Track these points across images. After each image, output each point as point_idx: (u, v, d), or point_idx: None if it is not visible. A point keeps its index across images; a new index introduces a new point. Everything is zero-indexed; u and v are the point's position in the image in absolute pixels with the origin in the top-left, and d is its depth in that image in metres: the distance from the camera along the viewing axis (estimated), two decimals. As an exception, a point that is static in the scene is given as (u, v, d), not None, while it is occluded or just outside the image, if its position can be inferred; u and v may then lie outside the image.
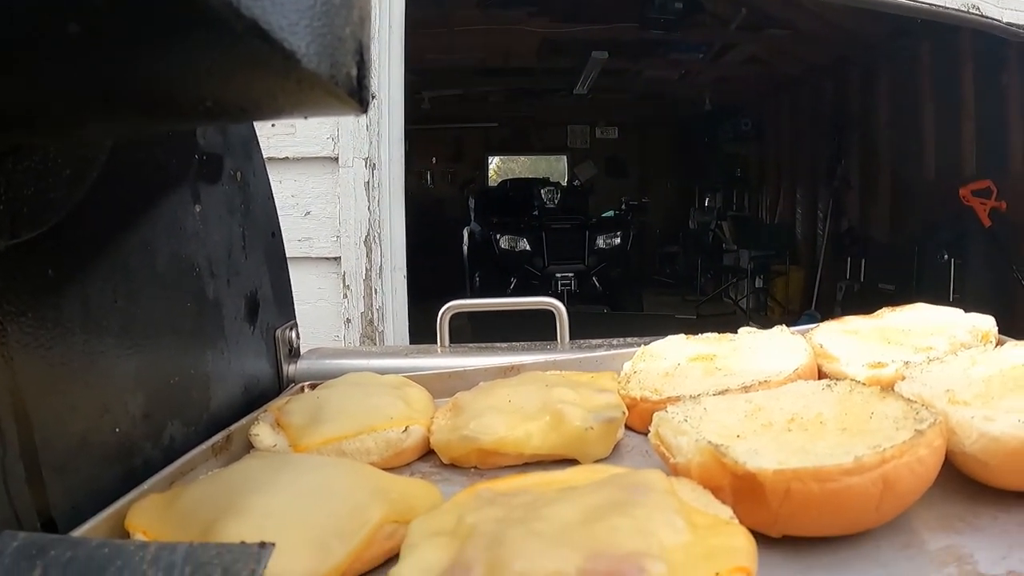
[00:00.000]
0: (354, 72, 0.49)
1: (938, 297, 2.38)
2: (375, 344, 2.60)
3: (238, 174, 1.20)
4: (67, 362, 0.79)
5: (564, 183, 12.01)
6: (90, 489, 0.81)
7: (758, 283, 10.09)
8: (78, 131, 0.64)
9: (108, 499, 0.79)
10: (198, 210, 1.08)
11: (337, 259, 2.58)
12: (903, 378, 0.93)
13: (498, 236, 8.78)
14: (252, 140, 1.26)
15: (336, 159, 2.53)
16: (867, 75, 8.06)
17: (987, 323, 1.16)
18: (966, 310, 1.22)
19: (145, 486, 0.83)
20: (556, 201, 9.38)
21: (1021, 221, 5.75)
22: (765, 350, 1.18)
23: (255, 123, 1.29)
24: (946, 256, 6.32)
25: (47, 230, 0.75)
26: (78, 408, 0.81)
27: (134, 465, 0.89)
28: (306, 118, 0.55)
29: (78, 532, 0.72)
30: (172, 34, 0.39)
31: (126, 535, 0.75)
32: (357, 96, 0.50)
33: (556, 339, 1.47)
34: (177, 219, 1.03)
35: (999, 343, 1.05)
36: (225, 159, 1.16)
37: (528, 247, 8.70)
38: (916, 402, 0.80)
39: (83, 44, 0.39)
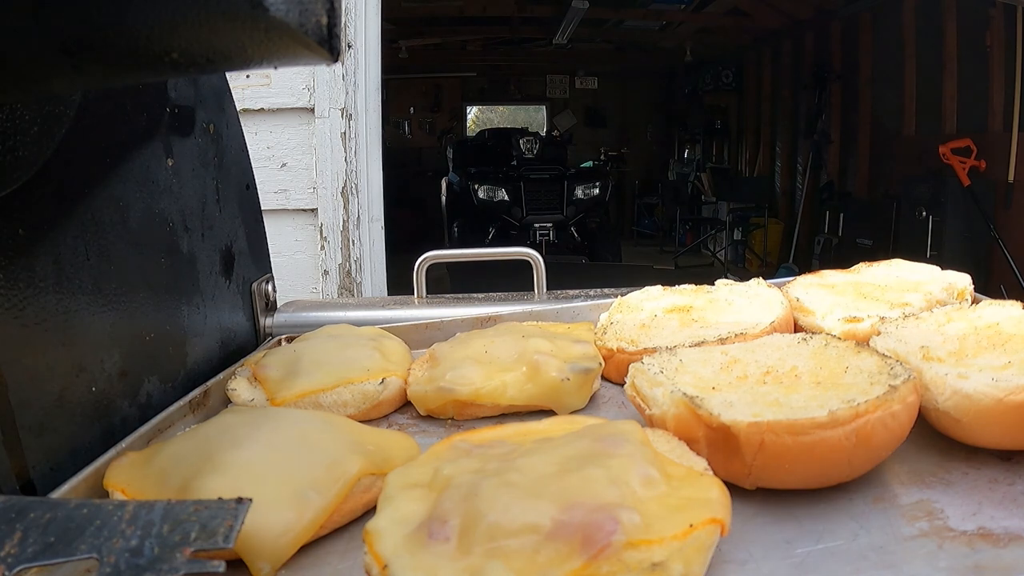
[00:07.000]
0: (324, 20, 0.48)
1: (915, 253, 2.39)
2: (353, 296, 2.59)
3: (211, 126, 1.18)
4: (41, 321, 0.78)
5: (543, 133, 11.92)
6: (68, 449, 0.81)
7: (736, 235, 10.13)
8: (43, 86, 0.62)
9: (86, 458, 0.79)
10: (170, 164, 1.06)
11: (314, 211, 2.55)
12: (878, 333, 0.94)
13: (476, 186, 8.69)
14: (225, 92, 1.24)
15: (312, 110, 2.50)
16: (849, 29, 8.02)
17: (963, 281, 1.17)
18: (943, 267, 1.23)
19: (123, 444, 0.83)
20: (535, 151, 9.26)
21: (1000, 181, 5.78)
22: (742, 303, 1.19)
23: (227, 74, 1.26)
24: (924, 213, 6.34)
25: (16, 188, 0.73)
26: (54, 368, 0.80)
27: (112, 423, 0.89)
28: (276, 68, 0.54)
29: (57, 493, 0.72)
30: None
31: (105, 494, 0.75)
32: (327, 45, 0.49)
33: (533, 290, 1.46)
34: (149, 173, 1.01)
35: (975, 301, 1.06)
36: (197, 111, 1.13)
37: (506, 197, 8.62)
38: (891, 358, 0.81)
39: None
